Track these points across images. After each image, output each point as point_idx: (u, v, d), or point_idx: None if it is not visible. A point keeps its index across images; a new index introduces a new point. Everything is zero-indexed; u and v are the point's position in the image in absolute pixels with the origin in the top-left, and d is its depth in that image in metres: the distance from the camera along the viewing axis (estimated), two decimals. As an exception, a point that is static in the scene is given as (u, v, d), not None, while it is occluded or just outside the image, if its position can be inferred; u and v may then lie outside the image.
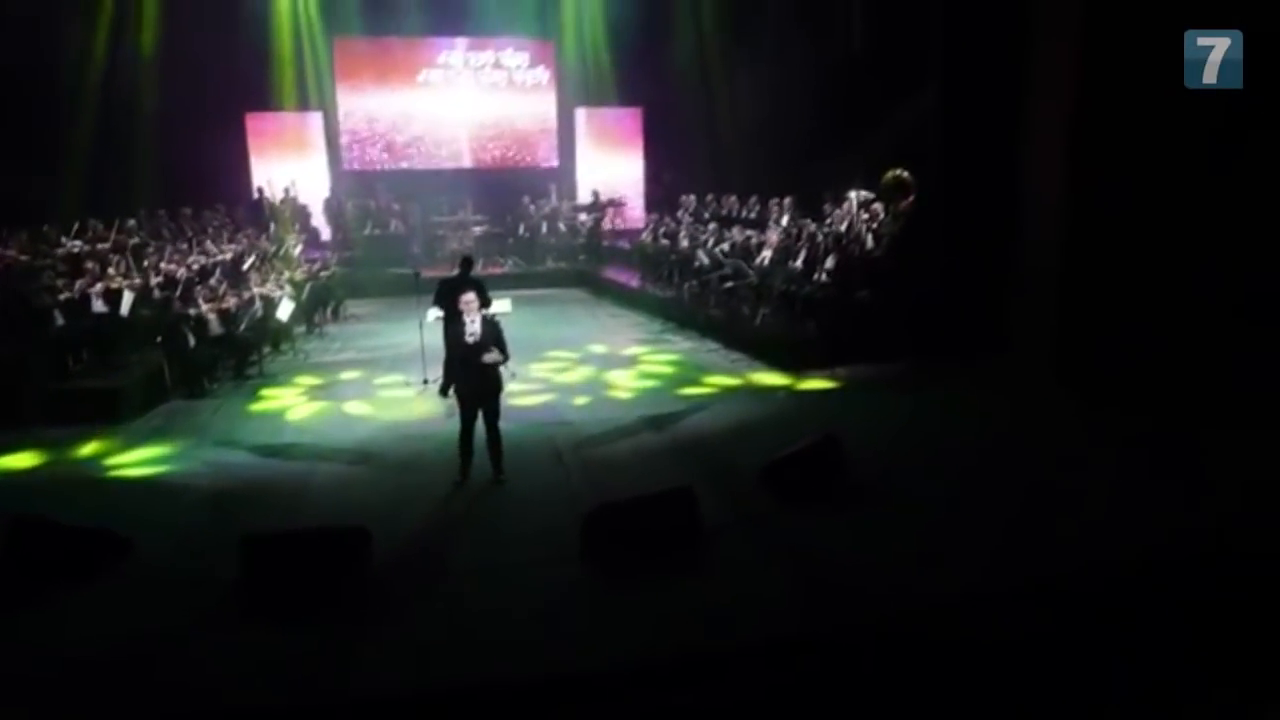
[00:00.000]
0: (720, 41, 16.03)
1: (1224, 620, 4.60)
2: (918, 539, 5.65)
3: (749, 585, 5.22)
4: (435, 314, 8.84)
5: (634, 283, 14.49)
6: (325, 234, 16.30)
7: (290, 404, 9.13)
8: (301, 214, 15.88)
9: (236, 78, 15.46)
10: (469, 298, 6.80)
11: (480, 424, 6.73)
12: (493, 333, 6.66)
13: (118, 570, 5.50)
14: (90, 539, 5.57)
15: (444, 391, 9.20)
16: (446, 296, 9.17)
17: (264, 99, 16.32)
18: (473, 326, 6.62)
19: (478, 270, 10.97)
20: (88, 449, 7.70)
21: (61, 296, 8.93)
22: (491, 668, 4.55)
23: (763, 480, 6.43)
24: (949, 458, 6.94)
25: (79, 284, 9.23)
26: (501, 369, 6.82)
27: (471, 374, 6.69)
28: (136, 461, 7.37)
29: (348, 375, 10.16)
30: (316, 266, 13.21)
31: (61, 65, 12.66)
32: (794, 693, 4.48)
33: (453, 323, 7.48)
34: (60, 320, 8.85)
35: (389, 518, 6.00)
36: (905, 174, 10.10)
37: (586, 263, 16.14)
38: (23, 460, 7.49)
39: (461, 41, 17.58)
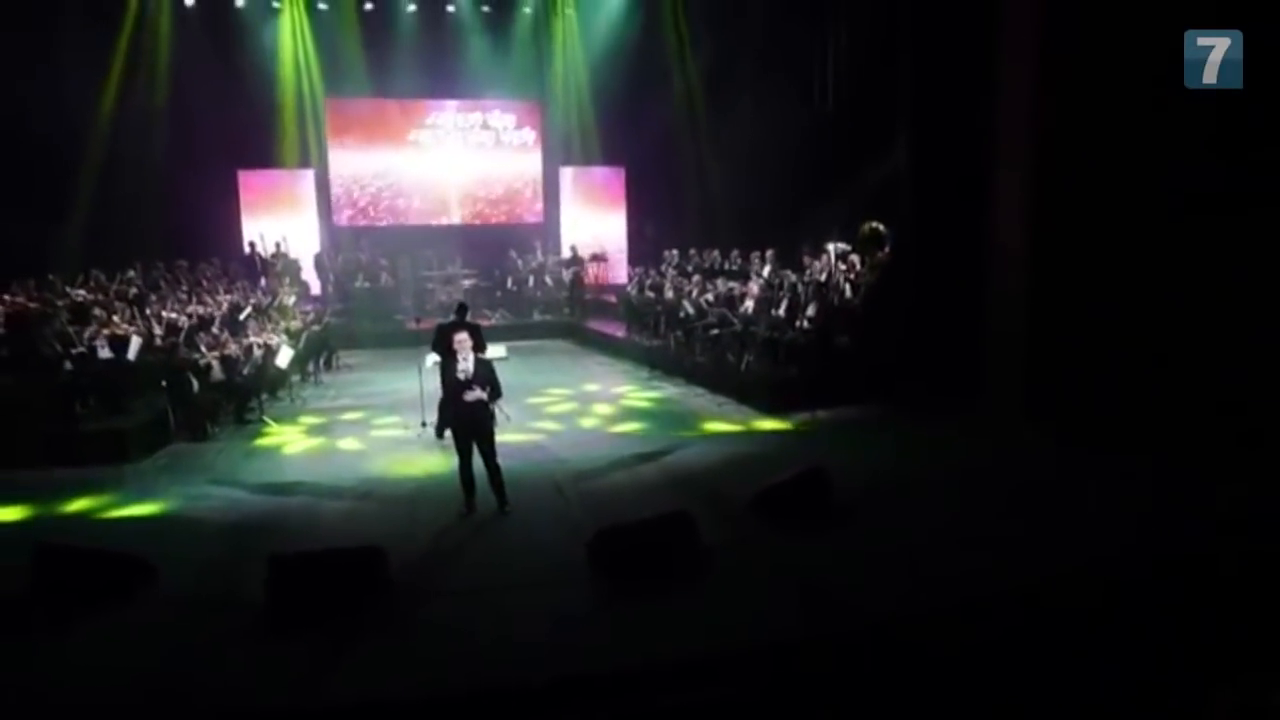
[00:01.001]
0: (700, 103, 16.96)
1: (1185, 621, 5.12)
2: (897, 556, 6.13)
3: (745, 598, 5.66)
4: (434, 359, 9.27)
5: (620, 333, 15.08)
6: (315, 288, 16.78)
7: (292, 445, 9.49)
8: (293, 268, 16.36)
9: (230, 136, 16.09)
10: (461, 337, 7.27)
11: (481, 459, 7.17)
12: (484, 372, 7.12)
13: (145, 595, 5.83)
14: (117, 564, 5.90)
15: (439, 433, 9.63)
16: (443, 341, 9.71)
17: (256, 156, 16.96)
18: (464, 365, 7.08)
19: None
20: (98, 489, 8.00)
21: (72, 344, 9.29)
22: (507, 672, 4.93)
23: (754, 506, 6.90)
24: (925, 486, 7.47)
25: (87, 331, 9.61)
26: (496, 410, 7.26)
27: (462, 410, 7.12)
28: (149, 500, 7.69)
29: (346, 419, 10.55)
30: (310, 318, 13.66)
31: (71, 120, 13.20)
32: (788, 693, 4.90)
33: (447, 362, 7.99)
34: (69, 366, 9.20)
35: (400, 543, 6.36)
36: (880, 226, 10.84)
37: (571, 315, 16.73)
38: (36, 500, 7.76)
39: (451, 103, 18.38)
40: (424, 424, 9.83)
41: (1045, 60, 8.76)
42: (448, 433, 9.61)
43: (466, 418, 7.05)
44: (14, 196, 11.51)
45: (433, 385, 9.49)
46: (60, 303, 10.27)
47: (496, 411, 7.29)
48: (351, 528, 6.87)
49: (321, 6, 16.38)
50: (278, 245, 16.46)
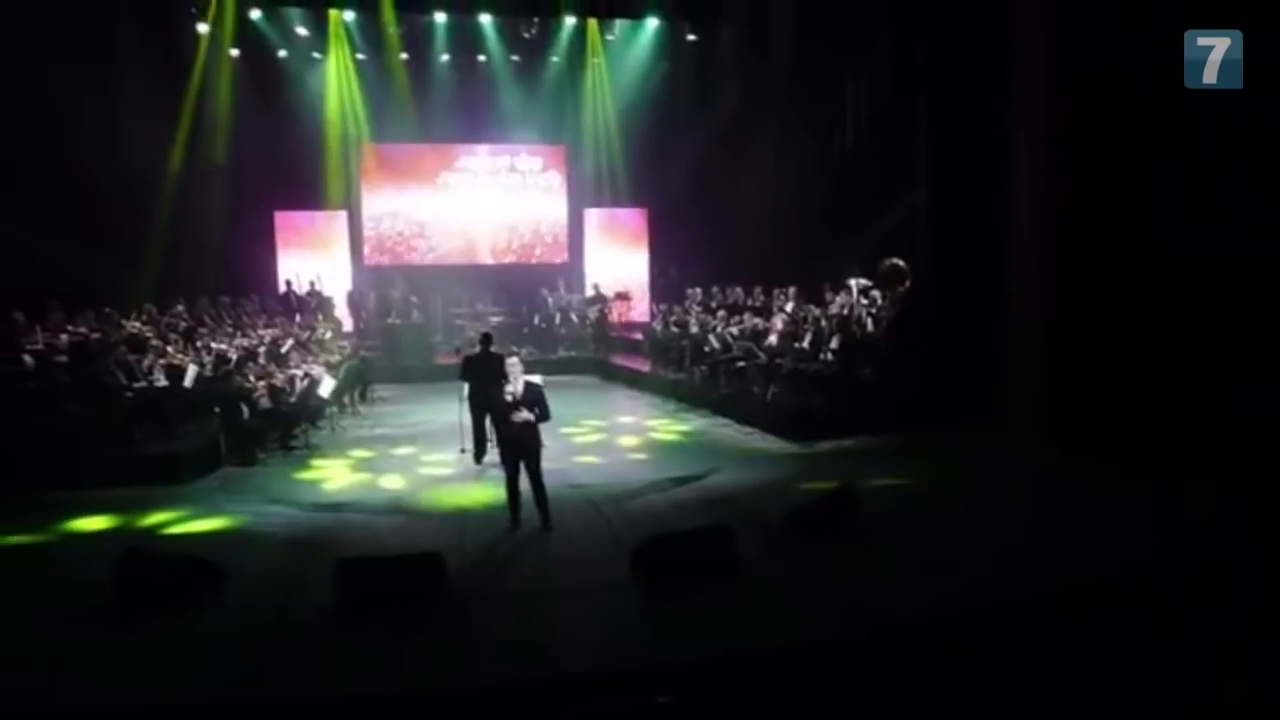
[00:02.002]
0: (722, 146, 17.68)
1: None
2: (922, 566, 6.54)
3: (780, 602, 6.10)
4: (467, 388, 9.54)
5: (645, 368, 15.60)
6: (348, 324, 17.42)
7: (339, 469, 9.99)
8: (327, 305, 17.02)
9: (268, 179, 16.91)
10: (513, 361, 7.81)
11: (527, 478, 7.63)
12: (532, 395, 7.63)
13: (218, 598, 6.29)
14: (193, 568, 6.38)
15: (478, 458, 10.12)
16: (471, 371, 10.25)
17: (292, 198, 17.78)
18: (513, 387, 7.60)
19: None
20: (160, 507, 8.50)
21: (132, 372, 9.88)
22: (559, 665, 5.36)
23: (788, 522, 7.33)
24: (948, 504, 7.91)
25: (146, 360, 10.20)
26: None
27: (511, 430, 7.61)
28: (211, 516, 8.18)
29: (387, 445, 11.07)
30: (347, 351, 14.25)
31: (131, 165, 14.07)
32: (820, 688, 5.29)
33: (493, 388, 8.47)
34: (129, 393, 9.78)
35: (452, 554, 6.79)
36: (901, 263, 11.37)
37: (596, 351, 17.29)
38: (100, 519, 8.26)
39: (481, 147, 19.21)
40: (463, 450, 10.32)
41: (1056, 103, 9.37)
42: (486, 457, 10.23)
43: (514, 438, 7.54)
44: (78, 235, 12.29)
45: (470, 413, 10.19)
46: (118, 334, 10.88)
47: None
48: (407, 540, 7.32)
49: (360, 57, 17.25)
50: (312, 284, 17.18)
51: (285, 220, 18.07)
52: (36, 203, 11.13)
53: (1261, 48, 7.35)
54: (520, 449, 7.55)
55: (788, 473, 9.41)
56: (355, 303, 17.63)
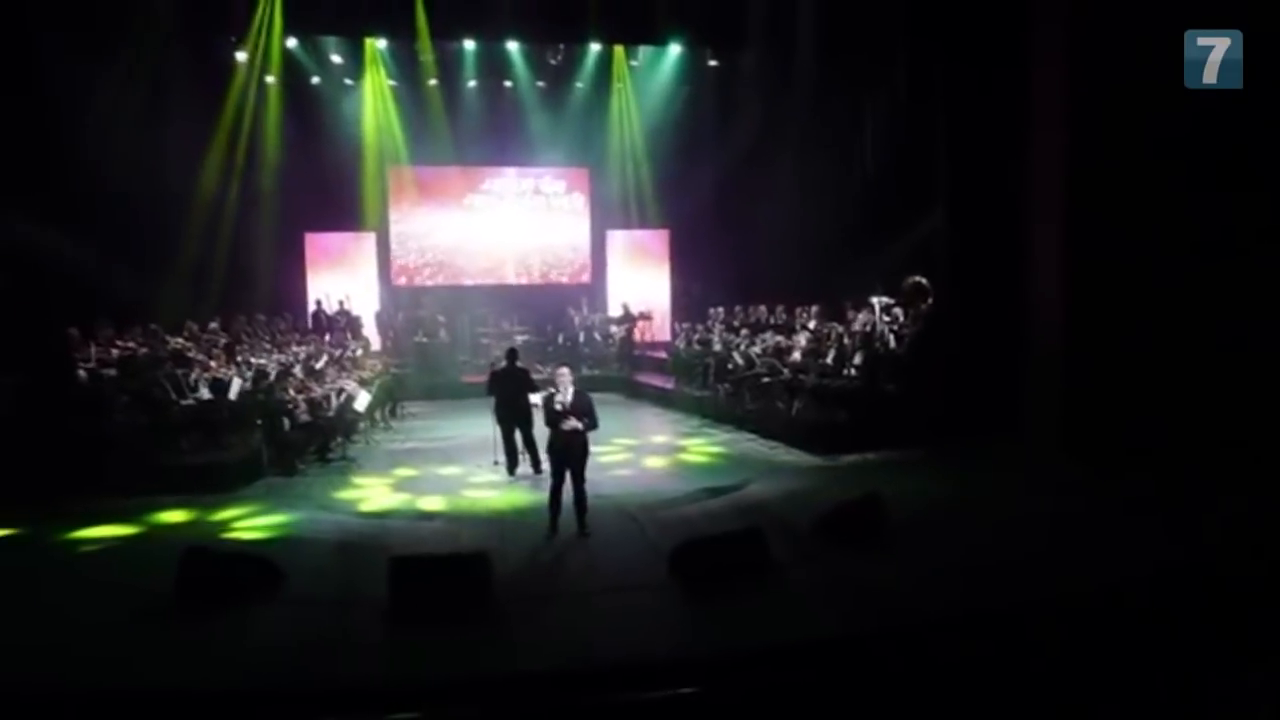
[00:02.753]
0: (744, 167, 18.13)
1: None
2: (945, 568, 6.84)
3: (810, 599, 6.42)
4: (539, 396, 9.43)
5: (669, 385, 15.95)
6: (375, 343, 17.89)
7: (376, 480, 10.37)
8: (355, 324, 17.51)
9: (299, 201, 17.48)
10: (563, 371, 8.20)
11: (571, 484, 7.99)
12: (582, 404, 8.00)
13: (276, 594, 6.65)
14: (253, 564, 6.76)
15: (510, 470, 10.47)
16: (497, 385, 10.63)
17: (322, 220, 18.32)
18: (563, 396, 7.97)
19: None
20: (209, 513, 8.90)
21: (179, 386, 10.33)
22: (601, 654, 5.68)
23: (817, 528, 7.64)
24: (970, 512, 8.22)
25: (193, 374, 10.66)
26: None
27: (560, 438, 7.98)
28: (258, 521, 8.57)
29: (420, 459, 11.44)
30: (378, 368, 14.69)
31: (172, 188, 14.75)
32: (849, 679, 5.57)
33: (522, 400, 8.72)
34: (176, 405, 10.22)
35: (496, 556, 7.13)
36: (924, 280, 11.72)
37: (620, 369, 17.66)
38: (157, 520, 8.67)
39: (506, 170, 19.76)
40: (496, 462, 10.68)
41: (1073, 120, 9.74)
42: (518, 469, 10.58)
43: (563, 445, 7.90)
44: (129, 257, 12.91)
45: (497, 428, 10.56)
46: (164, 349, 11.37)
47: None
48: (449, 544, 7.68)
49: (391, 83, 17.86)
50: (341, 303, 17.69)
51: (315, 241, 18.62)
52: (84, 222, 11.66)
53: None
54: (568, 456, 7.90)
55: (814, 484, 9.71)
56: (383, 322, 18.12)
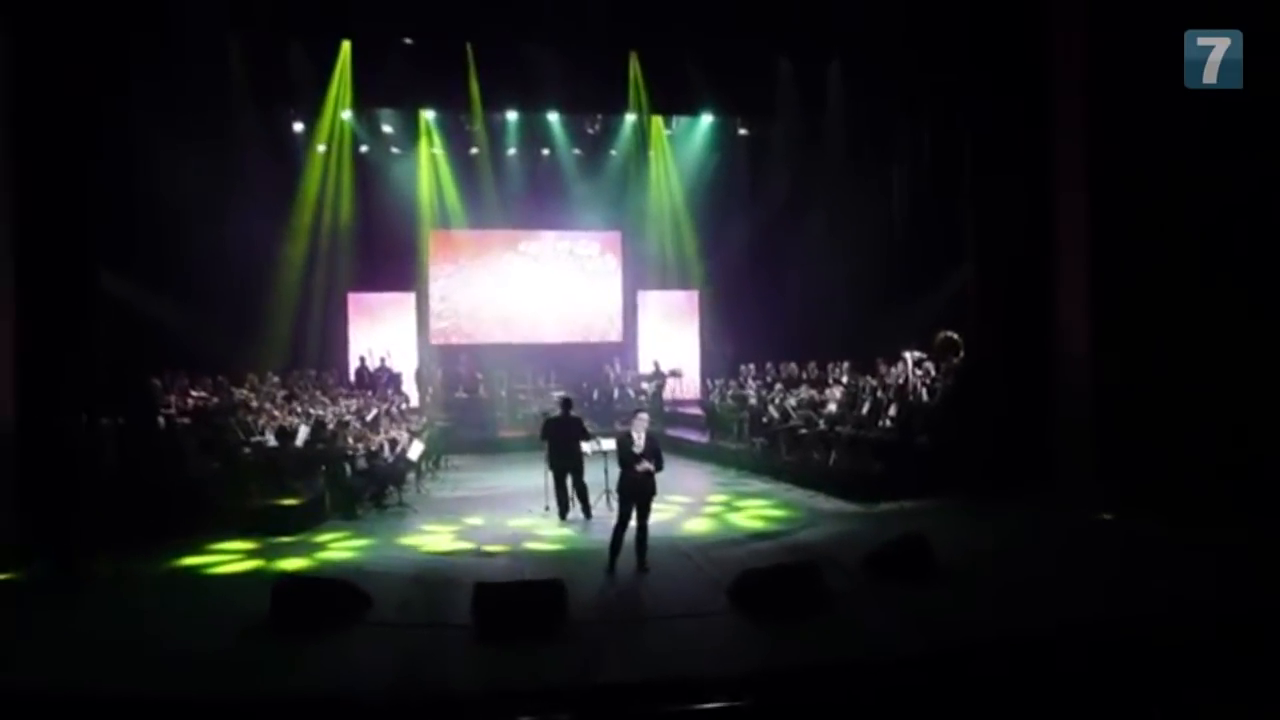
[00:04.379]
0: (774, 228, 19.03)
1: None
2: (989, 600, 7.39)
3: (865, 624, 6.97)
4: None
5: (704, 439, 16.54)
6: (414, 399, 18.62)
7: (434, 524, 10.93)
8: (396, 380, 18.28)
9: (345, 262, 18.52)
10: (643, 416, 8.86)
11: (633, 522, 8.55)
12: (653, 446, 8.63)
13: (363, 619, 7.20)
14: (342, 592, 7.32)
15: (562, 515, 11.01)
16: (552, 432, 11.23)
17: (364, 280, 19.31)
18: (639, 439, 8.60)
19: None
20: (282, 555, 9.47)
21: (249, 433, 11.05)
22: (672, 670, 6.19)
23: (866, 565, 8.16)
24: (1008, 552, 8.76)
25: (261, 423, 11.38)
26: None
27: (634, 479, 8.56)
28: (336, 555, 9.16)
29: (472, 505, 12.02)
30: (424, 421, 15.38)
31: (237, 250, 15.87)
32: (899, 696, 6.05)
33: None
34: (247, 451, 10.90)
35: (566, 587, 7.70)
36: (955, 335, 12.37)
37: (652, 424, 18.20)
38: (236, 559, 9.27)
39: (542, 233, 20.76)
40: (546, 508, 11.23)
41: (1095, 172, 10.51)
42: (570, 513, 11.12)
43: (637, 486, 8.48)
44: (202, 311, 13.88)
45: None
46: (232, 399, 12.13)
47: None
48: (520, 577, 8.22)
49: (435, 151, 19.00)
50: (382, 360, 18.50)
51: (358, 301, 19.56)
52: (167, 281, 12.62)
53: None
54: (639, 495, 8.48)
55: (856, 528, 10.23)
56: (423, 378, 18.88)
